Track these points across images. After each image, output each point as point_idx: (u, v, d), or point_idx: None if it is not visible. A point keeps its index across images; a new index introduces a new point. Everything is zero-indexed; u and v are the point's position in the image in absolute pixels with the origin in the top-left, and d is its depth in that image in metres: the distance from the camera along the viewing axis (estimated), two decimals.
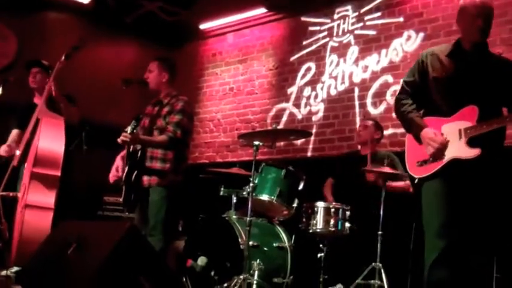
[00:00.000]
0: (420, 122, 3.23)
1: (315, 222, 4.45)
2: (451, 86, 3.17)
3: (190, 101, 4.60)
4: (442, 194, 3.10)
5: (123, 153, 4.43)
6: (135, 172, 4.26)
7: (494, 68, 3.14)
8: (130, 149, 4.31)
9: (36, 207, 4.49)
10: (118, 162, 4.45)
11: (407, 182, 4.66)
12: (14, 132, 5.12)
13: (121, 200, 4.39)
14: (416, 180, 3.20)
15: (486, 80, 3.12)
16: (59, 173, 4.60)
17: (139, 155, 4.29)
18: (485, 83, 3.11)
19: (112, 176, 4.41)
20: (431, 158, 3.13)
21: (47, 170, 4.57)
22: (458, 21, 3.21)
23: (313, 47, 6.68)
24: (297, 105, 6.71)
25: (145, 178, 4.29)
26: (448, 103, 3.15)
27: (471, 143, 3.03)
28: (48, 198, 4.55)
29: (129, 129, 4.07)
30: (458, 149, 3.06)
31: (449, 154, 3.08)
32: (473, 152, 3.01)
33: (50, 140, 4.63)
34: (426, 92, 3.26)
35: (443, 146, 3.09)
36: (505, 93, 3.13)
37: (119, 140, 4.12)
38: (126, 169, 4.29)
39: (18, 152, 4.85)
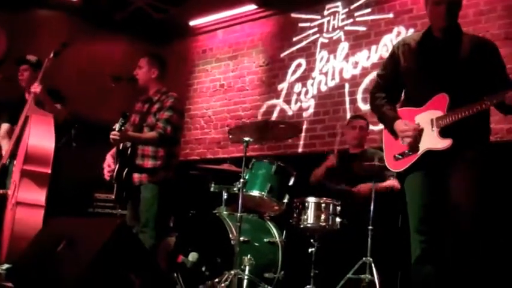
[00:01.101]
0: (392, 115, 3.16)
1: (305, 217, 4.46)
2: (421, 75, 3.09)
3: (181, 98, 4.60)
4: (420, 188, 3.04)
5: (113, 151, 4.43)
6: (126, 170, 4.26)
7: (468, 52, 3.00)
8: (120, 147, 4.30)
9: (27, 204, 4.48)
10: (109, 159, 4.43)
11: (393, 180, 4.71)
12: (4, 126, 5.10)
13: (113, 197, 4.39)
14: (395, 175, 3.17)
15: (458, 66, 2.99)
16: (49, 170, 4.59)
17: (129, 152, 4.28)
18: (457, 69, 2.98)
19: (107, 173, 4.39)
20: (409, 149, 3.04)
21: (38, 167, 4.56)
22: (426, 10, 3.13)
23: (304, 43, 6.69)
24: (288, 101, 6.71)
25: (136, 176, 4.28)
26: (420, 93, 3.07)
27: (444, 133, 2.93)
28: (39, 195, 4.54)
29: (117, 126, 4.06)
30: (431, 140, 2.97)
31: (423, 146, 3.00)
32: (444, 143, 2.91)
33: (40, 137, 4.62)
34: (399, 83, 3.21)
35: (417, 133, 3.00)
36: (481, 77, 2.97)
37: (110, 138, 4.11)
38: (117, 167, 4.28)
39: (8, 150, 4.84)
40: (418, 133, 3.01)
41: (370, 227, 4.36)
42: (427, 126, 3.01)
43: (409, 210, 3.10)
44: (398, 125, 3.09)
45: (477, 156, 2.95)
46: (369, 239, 4.33)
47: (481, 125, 3.02)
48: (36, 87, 4.70)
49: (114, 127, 4.08)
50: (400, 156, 3.11)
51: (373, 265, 4.25)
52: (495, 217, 4.34)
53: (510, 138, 4.95)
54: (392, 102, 3.25)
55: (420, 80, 3.10)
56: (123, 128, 4.08)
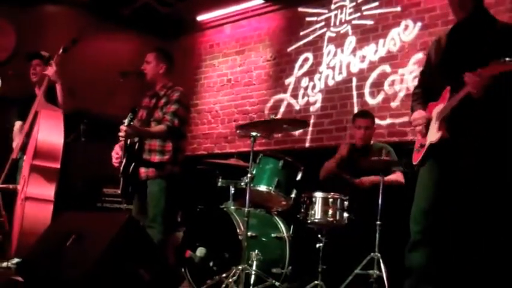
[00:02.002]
0: (415, 109, 3.19)
1: (313, 212, 4.45)
2: (440, 68, 3.10)
3: (186, 92, 4.61)
4: (426, 180, 3.07)
5: (121, 143, 4.44)
6: (133, 164, 4.27)
7: (487, 41, 2.89)
8: (128, 142, 4.32)
9: (36, 199, 4.51)
10: (117, 148, 4.44)
11: (396, 174, 4.72)
12: (18, 124, 5.13)
13: (119, 191, 4.40)
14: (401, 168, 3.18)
15: (470, 57, 2.89)
16: (58, 166, 4.62)
17: (136, 147, 4.30)
18: (468, 61, 2.86)
19: (115, 160, 4.39)
20: (422, 140, 3.06)
21: (47, 162, 4.59)
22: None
23: (311, 37, 6.67)
24: (295, 95, 6.71)
25: (143, 170, 4.30)
26: (439, 86, 3.06)
27: (450, 126, 2.89)
28: (48, 190, 4.57)
29: (126, 121, 4.08)
30: (432, 134, 2.99)
31: (428, 140, 3.02)
32: (437, 135, 2.92)
33: (49, 132, 4.65)
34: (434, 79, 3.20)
35: (425, 121, 3.02)
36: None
37: (119, 134, 4.12)
38: (124, 161, 4.30)
39: (17, 145, 4.86)
40: (427, 120, 3.02)
41: (378, 222, 4.35)
42: (434, 120, 3.02)
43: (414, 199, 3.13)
44: (413, 115, 3.14)
45: (492, 156, 2.87)
46: (377, 234, 4.32)
47: (504, 119, 2.87)
48: (50, 70, 4.71)
49: (123, 122, 4.10)
50: (419, 149, 3.13)
51: (381, 260, 4.25)
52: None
53: None
54: (428, 98, 3.19)
55: (439, 73, 3.10)
56: (132, 123, 4.10)
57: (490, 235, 2.88)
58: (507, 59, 2.53)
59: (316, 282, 4.29)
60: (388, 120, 5.77)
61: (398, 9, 5.96)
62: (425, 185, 3.08)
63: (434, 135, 2.97)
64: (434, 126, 2.99)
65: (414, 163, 3.18)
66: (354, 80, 6.22)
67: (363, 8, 6.25)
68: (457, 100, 2.82)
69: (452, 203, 2.91)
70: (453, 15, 3.14)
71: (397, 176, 4.74)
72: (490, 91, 2.70)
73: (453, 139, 2.90)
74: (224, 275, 4.03)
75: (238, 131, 4.67)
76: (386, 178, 4.60)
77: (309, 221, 4.47)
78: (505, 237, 2.89)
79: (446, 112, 2.91)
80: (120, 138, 4.22)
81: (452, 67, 2.96)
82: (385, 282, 4.19)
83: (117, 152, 4.41)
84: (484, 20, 3.01)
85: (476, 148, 2.88)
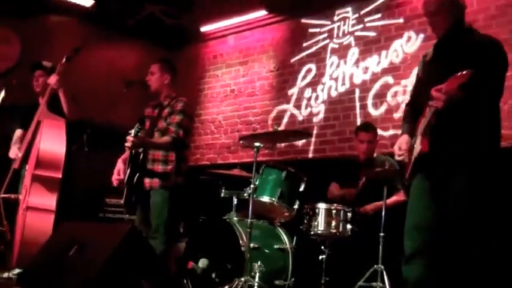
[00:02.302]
0: (402, 130, 3.25)
1: (316, 223, 4.45)
2: (424, 83, 3.15)
3: (190, 102, 4.62)
4: (418, 195, 3.11)
5: (124, 156, 4.45)
6: (137, 175, 4.27)
7: (464, 55, 2.94)
8: (133, 152, 4.31)
9: (38, 209, 4.50)
10: (119, 165, 4.45)
11: (398, 195, 4.71)
12: (18, 132, 5.14)
13: (122, 202, 4.40)
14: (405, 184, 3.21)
15: (448, 70, 2.88)
16: (60, 175, 4.61)
17: (141, 157, 4.30)
18: (446, 74, 2.85)
19: (115, 179, 4.42)
20: (406, 159, 3.12)
21: (48, 172, 4.58)
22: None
23: (314, 48, 6.69)
24: (298, 106, 6.72)
25: (147, 181, 4.30)
26: (422, 102, 3.08)
27: (433, 138, 2.94)
28: (49, 200, 4.56)
29: (133, 132, 4.08)
30: (416, 149, 3.04)
31: (413, 155, 3.07)
32: (418, 149, 2.98)
33: (51, 142, 4.65)
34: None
35: (408, 146, 3.08)
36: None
37: (126, 144, 4.13)
38: (128, 172, 4.30)
39: (19, 154, 4.86)
40: (408, 144, 3.08)
41: (381, 234, 4.33)
42: (418, 136, 3.07)
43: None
44: (398, 141, 3.18)
45: (470, 163, 2.91)
46: (380, 246, 4.29)
47: (477, 127, 2.93)
48: (52, 79, 4.72)
49: (129, 132, 4.11)
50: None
51: (384, 273, 4.23)
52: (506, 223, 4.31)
53: None
54: (418, 114, 3.19)
55: (422, 88, 3.15)
56: (139, 133, 4.11)
57: (477, 246, 2.89)
58: (464, 72, 2.63)
59: None
60: (391, 131, 5.77)
61: (401, 20, 5.97)
62: (416, 200, 3.13)
63: (416, 149, 3.03)
64: (417, 141, 3.05)
65: (406, 178, 3.22)
66: (357, 91, 6.22)
67: (366, 19, 6.27)
68: (430, 114, 2.90)
69: (443, 216, 2.95)
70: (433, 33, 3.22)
71: (398, 197, 4.71)
72: (459, 101, 2.77)
73: (432, 152, 2.96)
74: (227, 286, 4.02)
75: (241, 142, 4.67)
76: (388, 201, 4.56)
77: (312, 233, 4.45)
78: (492, 246, 2.94)
79: (424, 126, 2.98)
80: (126, 149, 4.22)
81: (433, 82, 3.00)
82: None
83: (118, 172, 4.41)
84: (461, 36, 3.08)
85: (453, 158, 2.93)
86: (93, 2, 6.97)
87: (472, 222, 2.89)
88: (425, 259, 3.03)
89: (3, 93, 5.06)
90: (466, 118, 2.91)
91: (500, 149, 3.07)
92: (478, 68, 2.69)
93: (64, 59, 4.83)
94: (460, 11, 3.12)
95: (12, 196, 4.78)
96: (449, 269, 2.94)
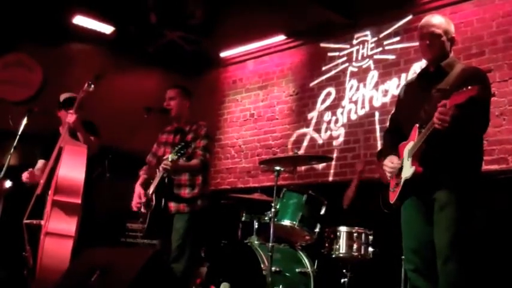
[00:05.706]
0: (385, 154, 3.30)
1: (337, 247, 4.43)
2: (407, 109, 3.24)
3: (210, 126, 4.66)
4: (405, 219, 3.17)
5: (140, 181, 4.49)
6: (163, 199, 4.30)
7: (450, 83, 3.03)
8: (160, 177, 4.32)
9: (57, 234, 4.51)
10: (138, 189, 4.48)
11: None
12: (40, 162, 5.18)
13: (145, 226, 4.41)
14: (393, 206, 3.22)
15: (434, 97, 3.04)
16: (79, 201, 4.63)
17: (166, 182, 4.33)
18: (432, 101, 3.01)
19: (136, 203, 4.44)
20: (393, 181, 3.17)
21: (68, 197, 4.60)
22: None
23: (333, 72, 6.71)
24: (318, 130, 6.72)
25: (173, 205, 4.32)
26: (406, 126, 3.16)
27: (422, 162, 2.98)
28: (69, 225, 4.57)
29: (170, 157, 4.11)
30: (406, 170, 3.07)
31: (403, 177, 3.09)
32: (410, 171, 3.00)
33: (70, 167, 4.67)
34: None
35: (394, 166, 3.13)
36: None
37: (162, 166, 4.16)
38: (154, 197, 4.32)
39: (41, 181, 4.91)
40: (396, 166, 3.13)
41: (403, 257, 4.28)
42: (406, 158, 3.10)
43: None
44: (385, 161, 3.23)
45: (455, 190, 2.97)
46: (403, 269, 4.25)
47: (463, 153, 3.01)
48: (70, 117, 4.78)
49: (165, 157, 4.14)
50: (395, 188, 3.19)
51: None
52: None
53: None
54: (399, 140, 3.26)
55: (407, 113, 3.23)
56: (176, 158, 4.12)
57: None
58: (469, 87, 2.68)
59: None
60: None
61: None
62: (409, 223, 3.17)
63: (408, 171, 3.04)
64: (407, 163, 3.07)
65: (391, 202, 3.22)
66: (377, 114, 6.22)
67: (385, 42, 6.29)
68: (426, 135, 2.93)
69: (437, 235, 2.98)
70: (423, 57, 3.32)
71: None
72: (455, 121, 2.80)
73: (426, 172, 2.98)
74: None
75: (261, 166, 4.68)
76: None
77: (333, 256, 4.44)
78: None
79: (416, 148, 3.00)
80: (159, 173, 4.24)
81: (420, 107, 3.10)
82: None
83: (139, 195, 4.43)
84: (448, 65, 3.15)
85: (448, 179, 2.98)
86: (113, 29, 7.09)
87: (460, 243, 2.94)
88: (427, 280, 3.05)
89: (25, 120, 5.11)
90: (458, 142, 2.97)
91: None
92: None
93: (86, 85, 4.88)
94: (450, 42, 3.22)
95: (35, 222, 4.81)
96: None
